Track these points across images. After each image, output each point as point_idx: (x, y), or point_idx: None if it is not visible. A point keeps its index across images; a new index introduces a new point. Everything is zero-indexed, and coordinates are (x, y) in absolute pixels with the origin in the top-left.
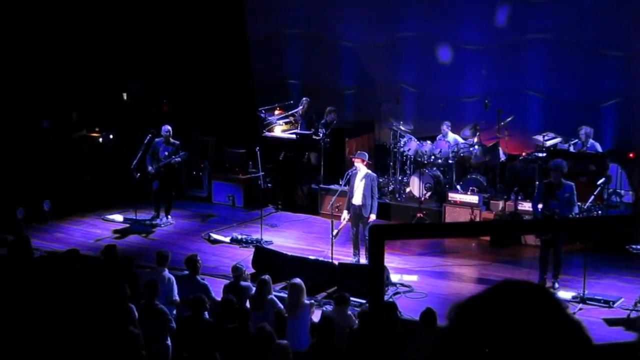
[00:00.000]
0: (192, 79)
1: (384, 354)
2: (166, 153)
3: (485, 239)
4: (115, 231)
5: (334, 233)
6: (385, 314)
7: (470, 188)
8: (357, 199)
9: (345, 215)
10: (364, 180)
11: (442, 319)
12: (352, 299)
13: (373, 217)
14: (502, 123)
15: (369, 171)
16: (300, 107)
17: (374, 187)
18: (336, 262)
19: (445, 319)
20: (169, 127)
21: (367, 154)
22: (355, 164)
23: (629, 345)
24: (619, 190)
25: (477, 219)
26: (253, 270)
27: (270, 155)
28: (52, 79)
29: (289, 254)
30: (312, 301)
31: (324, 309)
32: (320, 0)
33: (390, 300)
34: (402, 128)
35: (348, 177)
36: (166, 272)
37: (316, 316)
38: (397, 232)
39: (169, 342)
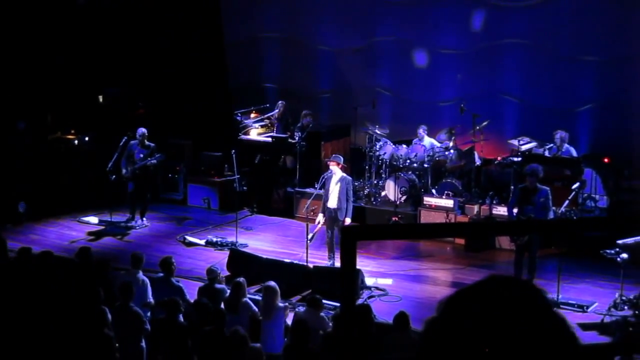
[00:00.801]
0: (168, 82)
1: (357, 357)
2: (141, 155)
3: (460, 243)
4: (90, 233)
5: (310, 236)
6: (360, 316)
7: (446, 192)
8: (332, 202)
9: (320, 218)
10: (339, 184)
11: (415, 322)
12: (326, 302)
13: (348, 220)
14: (478, 127)
15: (344, 174)
16: (277, 111)
17: (349, 190)
18: (311, 265)
19: (435, 312)
20: (144, 130)
21: (342, 157)
22: (331, 167)
23: (603, 347)
24: (593, 195)
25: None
26: (228, 273)
27: (246, 159)
28: (28, 81)
29: (264, 256)
30: (287, 304)
31: (297, 310)
32: (297, 4)
33: (365, 303)
34: (378, 132)
35: (323, 180)
36: (140, 275)
37: (290, 319)
38: (368, 233)
39: (143, 344)
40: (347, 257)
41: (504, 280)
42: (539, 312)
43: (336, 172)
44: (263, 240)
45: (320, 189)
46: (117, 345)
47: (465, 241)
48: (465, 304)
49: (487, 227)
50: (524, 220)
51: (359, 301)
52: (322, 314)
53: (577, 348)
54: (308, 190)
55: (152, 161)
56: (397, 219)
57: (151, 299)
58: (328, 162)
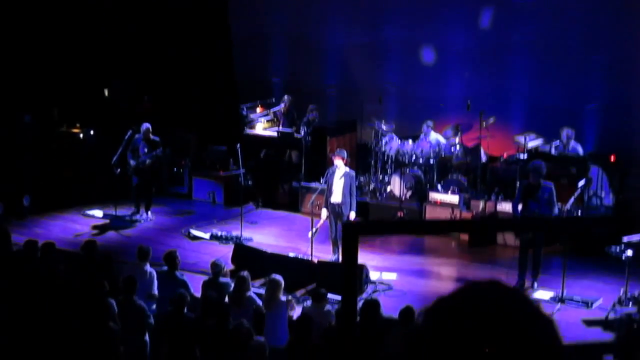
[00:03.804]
0: (174, 75)
1: (360, 350)
2: (146, 150)
3: (465, 239)
4: (95, 227)
5: (313, 231)
6: (368, 311)
7: (451, 188)
8: (336, 197)
9: (324, 213)
10: (343, 179)
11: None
12: (331, 296)
13: (353, 214)
14: (484, 124)
15: (348, 169)
16: (282, 105)
17: (353, 185)
18: (315, 260)
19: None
20: (148, 125)
21: (346, 152)
22: (335, 162)
23: (604, 345)
24: (599, 193)
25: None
26: (232, 267)
27: (251, 153)
28: (34, 75)
29: (269, 251)
30: (290, 297)
31: (304, 305)
32: (304, 0)
33: (374, 298)
34: (384, 127)
35: (328, 175)
36: (147, 267)
37: (298, 313)
38: (369, 228)
39: (147, 338)
40: (349, 252)
41: (483, 286)
42: (521, 315)
43: (340, 167)
44: (268, 234)
45: (324, 183)
46: (121, 338)
47: (469, 237)
48: (444, 314)
49: (480, 225)
50: (528, 218)
51: (365, 295)
52: (327, 308)
53: (561, 352)
54: (313, 185)
55: (153, 154)
56: (402, 214)
57: (156, 291)
58: (333, 157)
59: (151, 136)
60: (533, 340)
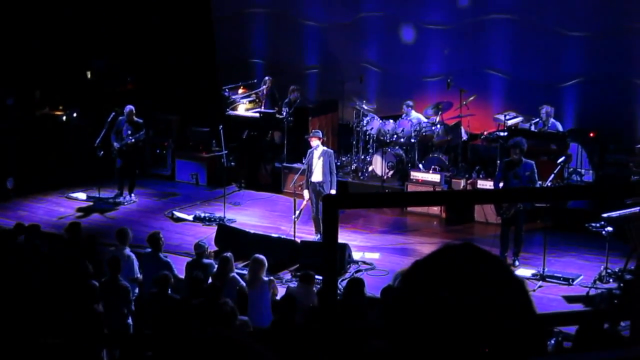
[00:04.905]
0: (157, 57)
1: (343, 328)
2: (129, 132)
3: (444, 217)
4: (79, 209)
5: (296, 214)
6: (353, 289)
7: (433, 167)
8: (316, 176)
9: (306, 194)
10: (322, 158)
11: None
12: (318, 277)
13: (333, 192)
14: (464, 102)
15: (325, 148)
16: (264, 86)
17: (332, 162)
18: (298, 240)
19: (392, 282)
20: (132, 107)
21: (321, 132)
22: (312, 143)
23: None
24: (579, 169)
25: None
26: (216, 248)
27: (233, 134)
28: (16, 58)
29: (252, 231)
30: (272, 278)
31: (289, 285)
32: None
33: (358, 276)
34: (365, 107)
35: (308, 156)
36: (127, 250)
37: (282, 294)
38: (349, 201)
39: (130, 321)
40: (329, 225)
41: (457, 248)
42: (493, 276)
43: (318, 147)
44: (251, 215)
45: (305, 164)
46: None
47: (446, 215)
48: (420, 275)
49: (456, 196)
50: (510, 189)
51: (348, 275)
52: (314, 289)
53: (533, 313)
54: (295, 165)
55: (136, 136)
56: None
57: (138, 275)
58: (309, 139)
59: (134, 118)
60: (504, 297)
